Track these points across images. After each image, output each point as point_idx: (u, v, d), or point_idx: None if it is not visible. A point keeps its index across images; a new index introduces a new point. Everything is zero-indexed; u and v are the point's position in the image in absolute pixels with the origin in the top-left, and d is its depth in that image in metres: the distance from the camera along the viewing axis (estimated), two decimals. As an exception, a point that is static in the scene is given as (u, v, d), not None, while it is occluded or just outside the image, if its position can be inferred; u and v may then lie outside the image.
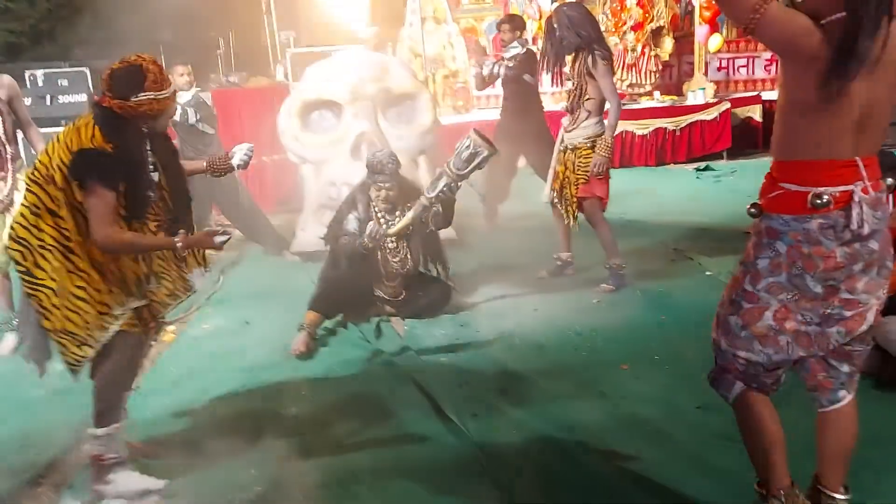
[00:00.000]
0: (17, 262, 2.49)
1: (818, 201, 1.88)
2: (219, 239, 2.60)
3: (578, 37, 4.25)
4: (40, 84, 7.91)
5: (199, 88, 5.74)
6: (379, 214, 4.13)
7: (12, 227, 2.52)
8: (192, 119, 5.56)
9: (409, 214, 4.04)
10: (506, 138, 5.78)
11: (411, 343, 3.86)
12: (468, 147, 3.80)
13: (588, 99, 4.32)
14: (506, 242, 5.62)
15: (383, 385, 3.42)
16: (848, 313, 1.95)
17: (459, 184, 3.93)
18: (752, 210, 2.02)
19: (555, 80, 4.54)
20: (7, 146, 4.00)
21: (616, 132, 8.57)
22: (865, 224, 1.88)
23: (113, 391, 2.64)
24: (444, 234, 5.60)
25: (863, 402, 2.12)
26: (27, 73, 8.36)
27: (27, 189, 2.50)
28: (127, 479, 2.64)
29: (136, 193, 2.51)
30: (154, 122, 2.55)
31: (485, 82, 5.96)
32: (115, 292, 2.54)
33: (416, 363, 3.61)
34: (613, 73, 4.38)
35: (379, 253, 4.13)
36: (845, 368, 2.04)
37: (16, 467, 2.89)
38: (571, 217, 4.53)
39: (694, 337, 3.41)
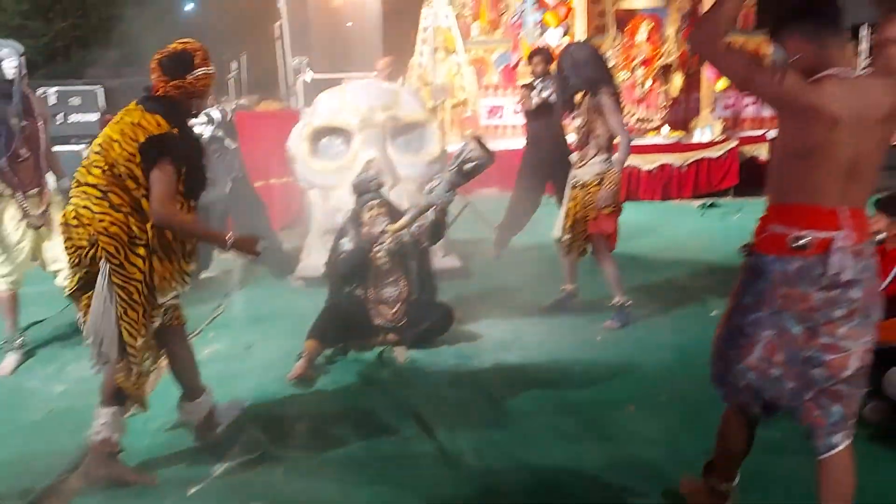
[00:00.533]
0: (111, 256, 2.65)
1: (797, 243, 2.00)
2: (261, 244, 2.86)
3: (585, 76, 4.31)
4: (52, 102, 7.97)
5: (219, 106, 5.79)
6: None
7: (102, 225, 2.66)
8: (214, 132, 5.59)
9: (406, 217, 4.06)
10: (536, 168, 5.79)
11: (413, 373, 3.84)
12: (467, 153, 3.81)
13: (596, 136, 4.35)
14: (512, 272, 5.61)
15: (383, 415, 3.39)
16: (827, 357, 2.03)
17: (456, 191, 3.93)
18: (744, 250, 2.18)
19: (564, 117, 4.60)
20: (42, 165, 4.16)
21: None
22: (844, 272, 1.97)
23: (191, 371, 3.11)
24: (449, 261, 5.65)
25: (871, 456, 2.09)
26: (39, 91, 8.42)
27: (110, 191, 2.68)
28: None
29: (196, 174, 2.80)
30: (202, 101, 2.87)
31: (536, 106, 5.88)
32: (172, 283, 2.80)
33: (417, 394, 3.57)
34: (622, 110, 4.41)
35: (373, 275, 4.14)
36: (836, 409, 2.08)
37: (14, 492, 2.85)
38: (577, 252, 4.54)
39: (699, 378, 3.36)
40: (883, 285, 3.94)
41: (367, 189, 4.26)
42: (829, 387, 2.05)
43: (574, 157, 4.54)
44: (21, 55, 4.04)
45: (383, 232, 4.11)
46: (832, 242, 1.98)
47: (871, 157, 2.00)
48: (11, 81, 4.00)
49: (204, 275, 5.80)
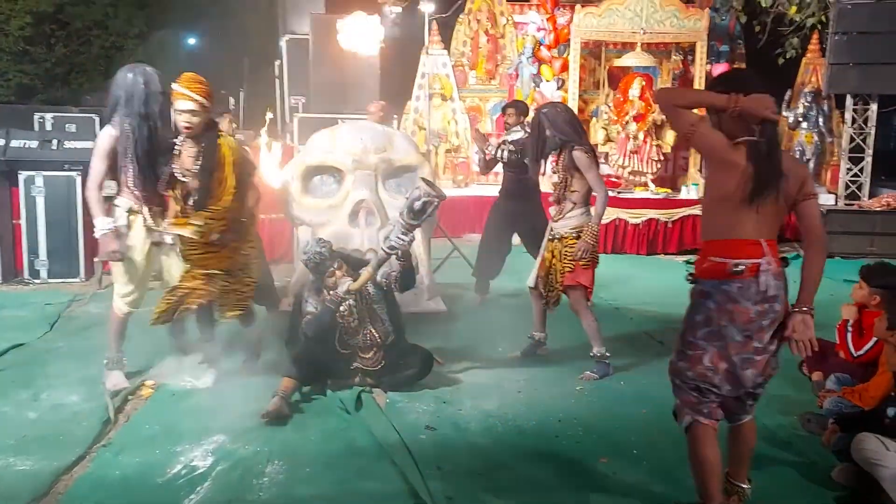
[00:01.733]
0: None
1: (735, 269, 2.55)
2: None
3: (559, 136, 4.44)
4: (48, 127, 8.00)
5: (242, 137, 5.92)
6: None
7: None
8: None
9: (368, 268, 4.06)
10: (503, 217, 5.91)
11: (391, 416, 3.82)
12: (419, 197, 3.86)
13: (573, 191, 4.45)
14: (494, 319, 5.63)
15: (358, 459, 3.37)
16: (758, 358, 2.61)
17: (412, 234, 3.97)
18: (689, 278, 2.73)
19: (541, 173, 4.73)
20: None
21: (609, 220, 8.75)
22: (769, 289, 2.55)
23: None
24: (434, 305, 5.67)
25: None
26: (36, 116, 8.47)
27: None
28: None
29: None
30: None
31: (488, 166, 6.14)
32: None
33: (394, 439, 3.55)
34: (597, 165, 4.53)
35: (342, 323, 4.11)
36: (750, 402, 2.77)
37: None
38: (552, 303, 4.62)
39: (674, 432, 3.39)
40: (860, 353, 4.02)
41: (321, 260, 4.07)
42: (753, 387, 2.67)
43: (552, 210, 4.61)
44: (157, 74, 4.07)
45: (347, 291, 4.03)
46: (759, 267, 2.54)
47: (776, 203, 2.57)
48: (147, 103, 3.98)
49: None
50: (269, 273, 5.86)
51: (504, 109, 6.25)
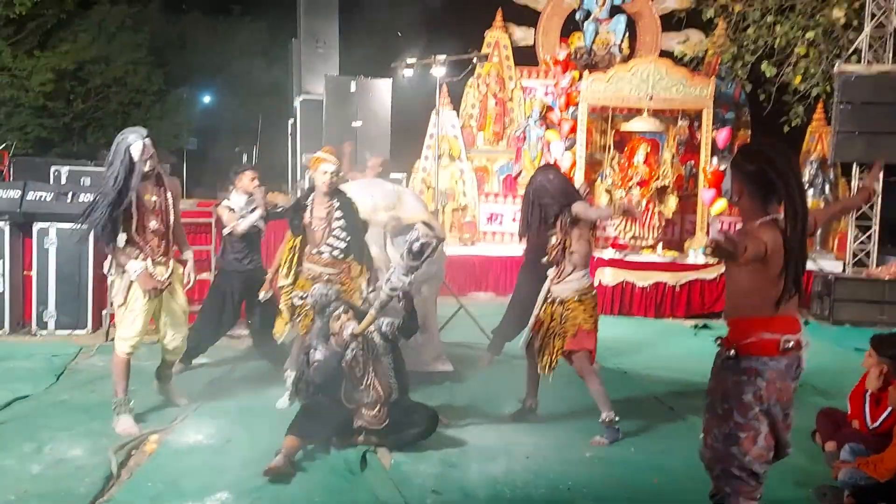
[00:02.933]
0: None
1: (788, 345, 2.53)
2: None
3: (559, 201, 4.45)
4: (64, 180, 8.14)
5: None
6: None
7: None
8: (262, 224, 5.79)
9: (371, 310, 4.06)
10: (533, 282, 5.86)
11: (397, 479, 3.76)
12: (417, 238, 3.90)
13: (572, 252, 4.45)
14: (501, 379, 5.57)
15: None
16: (788, 436, 2.64)
17: (414, 276, 3.99)
18: (731, 353, 2.60)
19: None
20: (171, 237, 4.53)
21: (617, 282, 8.72)
22: (803, 363, 2.59)
23: None
24: (441, 365, 5.63)
25: None
26: (52, 168, 8.63)
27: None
28: None
29: None
30: None
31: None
32: None
33: (399, 502, 3.49)
34: (588, 236, 4.52)
35: (348, 373, 4.10)
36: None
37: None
38: (548, 367, 4.52)
39: (686, 501, 3.34)
40: (877, 423, 3.97)
41: (327, 302, 4.17)
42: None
43: (550, 272, 4.60)
44: (144, 138, 4.30)
45: (352, 334, 4.05)
46: (801, 342, 2.56)
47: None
48: (140, 162, 4.24)
49: (198, 360, 5.77)
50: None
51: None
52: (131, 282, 4.34)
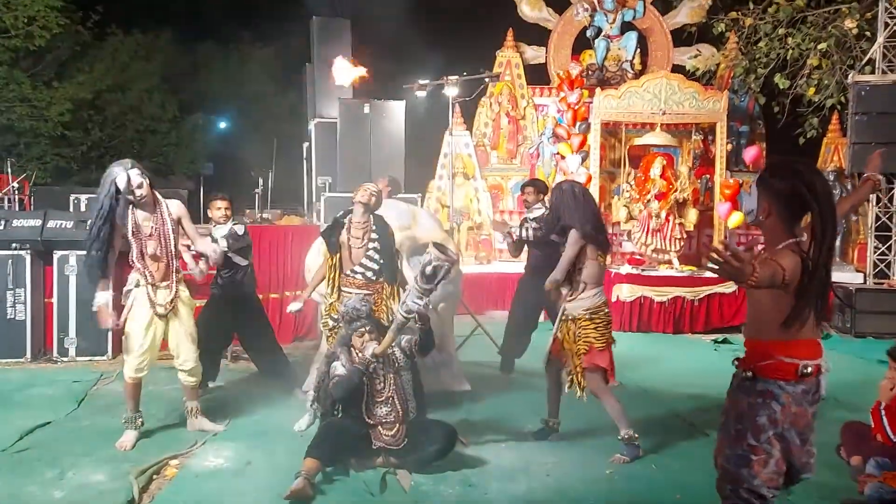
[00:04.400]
0: None
1: (806, 370, 2.47)
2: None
3: (566, 217, 4.45)
4: (83, 208, 8.24)
5: (234, 222, 5.93)
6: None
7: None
8: (217, 254, 5.68)
9: (389, 334, 4.08)
10: (530, 294, 5.89)
11: (416, 500, 3.74)
12: (430, 262, 3.91)
13: (580, 269, 4.43)
14: (519, 397, 5.54)
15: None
16: (812, 461, 2.56)
17: (429, 299, 4.01)
18: (748, 375, 2.54)
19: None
20: (174, 260, 4.59)
21: (635, 297, 8.68)
22: (823, 390, 2.52)
23: None
24: (458, 384, 5.62)
25: None
26: (72, 197, 8.73)
27: None
28: None
29: None
30: None
31: (517, 248, 6.16)
32: None
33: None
34: (598, 255, 4.46)
35: (368, 387, 4.11)
36: None
37: None
38: (578, 386, 4.47)
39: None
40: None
41: (357, 316, 4.23)
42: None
43: (563, 290, 4.58)
44: (129, 169, 4.41)
45: (373, 354, 4.09)
46: (820, 368, 2.50)
47: None
48: (126, 193, 4.38)
49: (211, 385, 5.79)
50: (281, 355, 5.90)
51: (523, 188, 6.35)
52: (130, 306, 4.48)
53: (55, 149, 16.97)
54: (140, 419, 4.57)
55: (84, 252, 6.53)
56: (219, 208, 5.79)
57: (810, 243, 2.42)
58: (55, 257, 6.81)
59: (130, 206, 4.44)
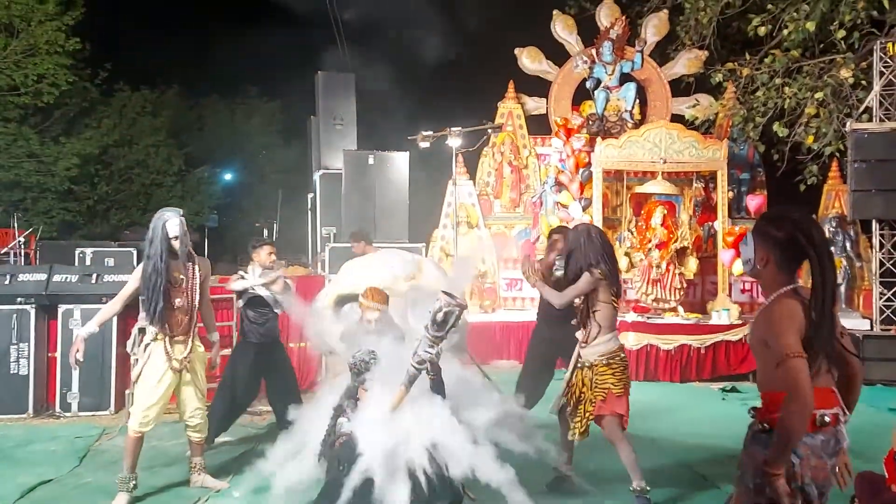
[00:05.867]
0: None
1: (825, 420, 2.40)
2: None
3: (584, 258, 4.44)
4: (88, 262, 8.29)
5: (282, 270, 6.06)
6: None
7: None
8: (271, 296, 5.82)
9: (400, 386, 3.99)
10: (546, 343, 5.81)
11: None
12: (440, 309, 3.88)
13: (595, 311, 4.42)
14: (528, 447, 5.44)
15: None
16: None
17: (440, 347, 3.96)
18: (764, 427, 2.46)
19: None
20: (195, 316, 4.65)
21: (641, 346, 8.60)
22: (842, 440, 2.45)
23: None
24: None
25: None
26: (77, 251, 8.79)
27: None
28: None
29: None
30: None
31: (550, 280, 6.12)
32: None
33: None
34: (613, 298, 4.45)
35: None
36: None
37: None
38: (578, 433, 4.44)
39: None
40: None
41: (366, 368, 4.16)
42: None
43: (579, 335, 4.56)
44: (181, 216, 4.54)
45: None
46: (838, 417, 2.45)
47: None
48: (174, 239, 4.49)
49: (221, 439, 5.73)
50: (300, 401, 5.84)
51: (550, 234, 6.28)
52: (147, 360, 4.46)
53: (61, 203, 17.13)
54: (134, 482, 4.46)
55: (88, 305, 6.71)
56: (270, 253, 5.95)
57: (812, 291, 2.43)
58: (59, 311, 6.82)
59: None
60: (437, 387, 4.13)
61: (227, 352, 7.22)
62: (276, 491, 4.61)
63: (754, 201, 9.75)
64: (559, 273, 5.88)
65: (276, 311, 5.86)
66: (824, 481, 2.45)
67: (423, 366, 3.98)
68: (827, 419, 2.41)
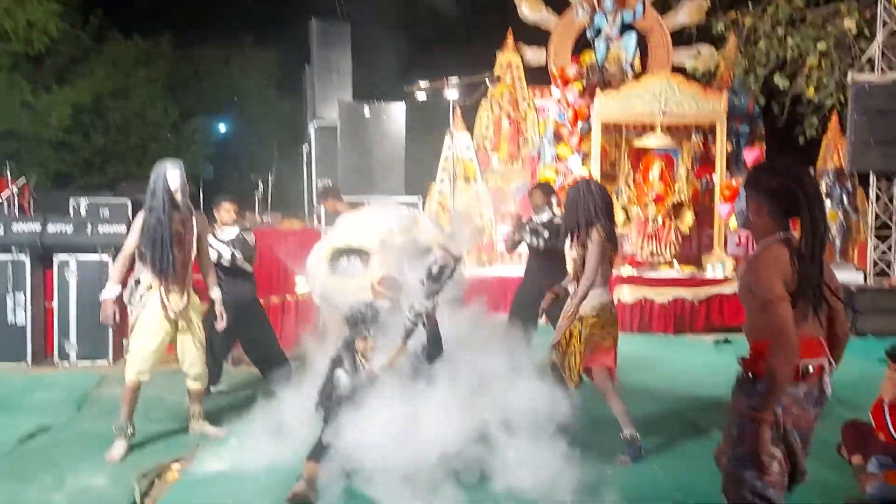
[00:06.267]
0: None
1: (809, 370, 2.44)
2: None
3: (579, 214, 4.42)
4: (83, 212, 8.24)
5: (245, 228, 5.98)
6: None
7: None
8: (228, 256, 5.70)
9: (397, 341, 4.06)
10: (531, 297, 5.87)
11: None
12: (435, 261, 3.93)
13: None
14: (517, 397, 5.50)
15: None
16: (805, 464, 2.53)
17: (436, 300, 3.99)
18: (749, 376, 2.52)
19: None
20: (191, 268, 4.65)
21: (636, 299, 8.66)
22: (827, 389, 2.50)
23: None
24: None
25: None
26: (72, 201, 8.73)
27: None
28: None
29: None
30: None
31: (515, 245, 6.19)
32: None
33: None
34: (609, 252, 4.44)
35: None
36: None
37: None
38: (573, 383, 4.48)
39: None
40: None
41: (362, 320, 4.18)
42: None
43: (570, 288, 4.57)
44: (181, 168, 4.52)
45: (382, 368, 4.06)
46: (823, 367, 2.47)
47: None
48: (175, 191, 4.47)
49: (214, 389, 5.79)
50: (285, 360, 5.86)
51: (530, 192, 6.33)
52: (142, 309, 4.48)
53: (56, 154, 16.99)
54: (131, 430, 4.49)
55: (84, 255, 6.73)
56: (227, 210, 5.82)
57: (802, 237, 2.44)
58: (55, 261, 6.82)
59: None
60: (435, 341, 4.15)
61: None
62: (274, 438, 4.71)
63: (751, 155, 9.68)
64: (539, 243, 5.92)
65: (248, 271, 5.80)
66: (806, 430, 2.48)
67: (418, 318, 4.00)
68: (811, 369, 2.43)
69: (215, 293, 4.92)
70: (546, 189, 6.24)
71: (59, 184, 16.88)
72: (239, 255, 5.72)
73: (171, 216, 4.45)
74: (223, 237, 5.72)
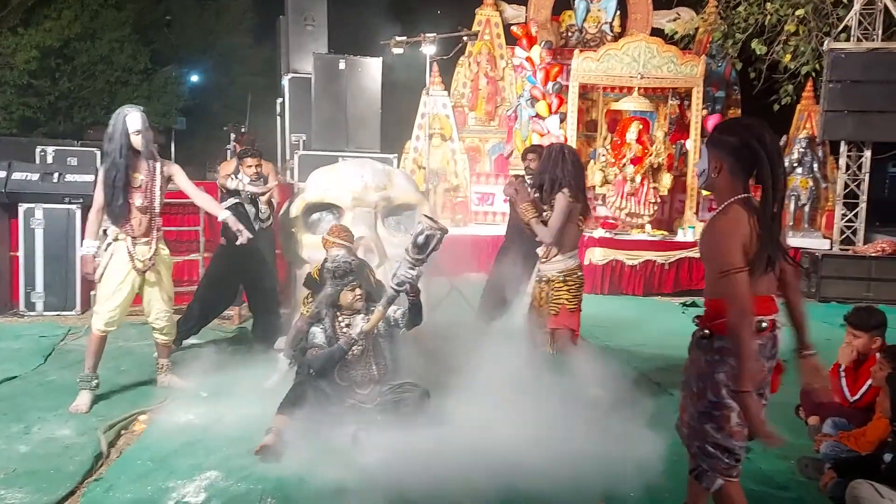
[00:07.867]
0: None
1: (762, 325, 2.49)
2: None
3: (553, 176, 4.45)
4: (50, 160, 8.07)
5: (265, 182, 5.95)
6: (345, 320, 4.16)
7: None
8: (249, 188, 5.77)
9: (379, 307, 4.08)
10: (513, 259, 5.87)
11: (387, 457, 3.77)
12: (422, 231, 3.92)
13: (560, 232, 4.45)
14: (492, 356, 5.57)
15: (352, 496, 3.32)
16: (763, 414, 2.53)
17: (420, 269, 4.00)
18: (706, 333, 2.58)
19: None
20: (157, 217, 4.53)
21: (607, 261, 8.73)
22: (778, 343, 2.57)
23: None
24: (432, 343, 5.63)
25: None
26: (38, 149, 8.54)
27: None
28: None
29: None
30: None
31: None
32: None
33: (391, 481, 3.51)
34: (579, 218, 4.49)
35: (347, 360, 4.11)
36: None
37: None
38: (543, 344, 4.57)
39: (670, 475, 3.38)
40: (856, 397, 4.02)
41: (348, 271, 4.17)
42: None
43: (539, 251, 4.61)
44: (142, 111, 4.42)
45: (360, 333, 4.09)
46: (775, 323, 2.55)
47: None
48: (134, 133, 4.36)
49: (190, 341, 5.76)
50: (276, 306, 5.87)
51: (525, 154, 6.25)
52: (109, 260, 4.43)
53: (21, 98, 16.50)
54: (96, 381, 4.47)
55: (51, 205, 6.59)
56: (249, 166, 5.80)
57: (762, 194, 2.46)
58: (21, 210, 6.68)
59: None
60: (416, 310, 4.17)
61: (194, 257, 7.23)
62: (243, 391, 4.72)
63: (712, 120, 9.73)
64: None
65: (253, 226, 5.71)
66: (760, 382, 2.53)
67: (402, 287, 4.01)
68: (764, 325, 2.50)
69: (223, 213, 4.70)
70: (541, 151, 6.18)
71: (24, 129, 16.45)
72: (257, 190, 5.76)
73: (128, 161, 4.35)
74: (246, 184, 5.75)
